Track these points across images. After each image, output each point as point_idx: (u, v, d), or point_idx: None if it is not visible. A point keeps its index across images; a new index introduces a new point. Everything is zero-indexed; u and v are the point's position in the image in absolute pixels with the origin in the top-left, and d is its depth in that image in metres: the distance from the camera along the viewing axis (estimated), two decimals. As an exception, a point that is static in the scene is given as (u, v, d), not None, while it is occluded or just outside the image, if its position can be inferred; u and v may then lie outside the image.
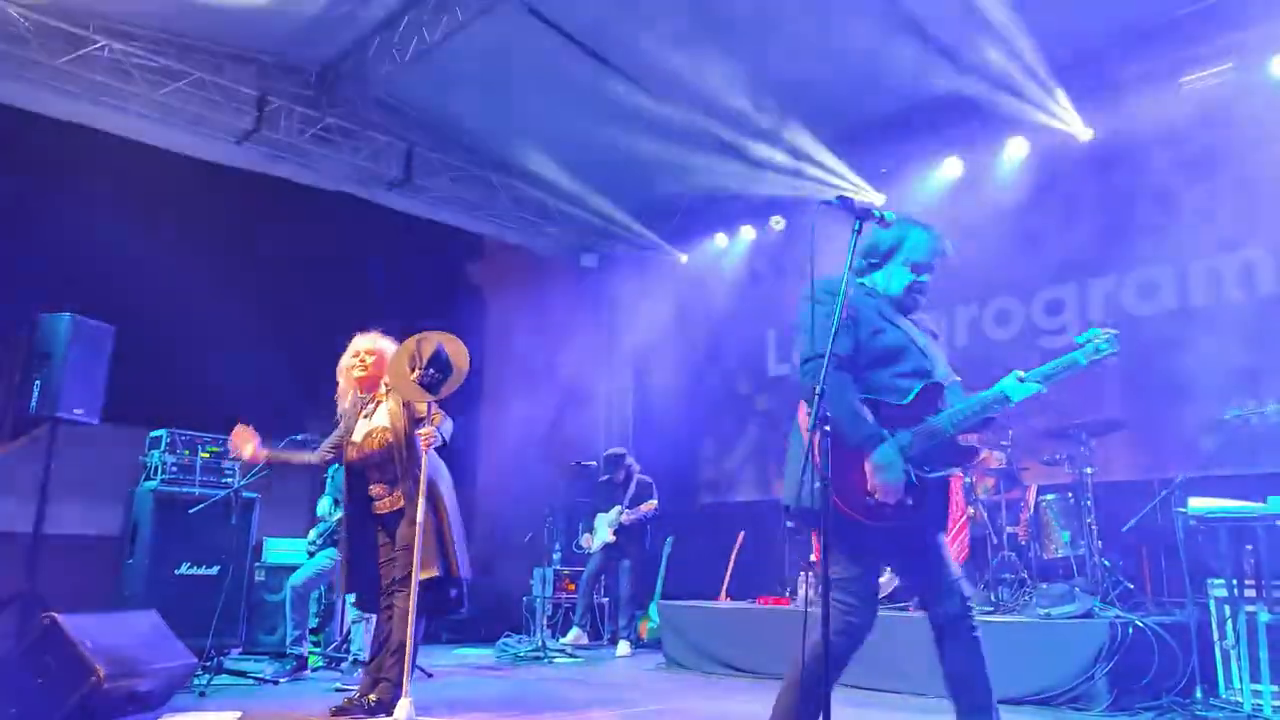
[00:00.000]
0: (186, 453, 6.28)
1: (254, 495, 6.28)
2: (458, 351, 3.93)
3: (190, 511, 5.71)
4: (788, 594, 6.41)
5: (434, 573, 3.86)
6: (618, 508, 7.45)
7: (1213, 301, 5.82)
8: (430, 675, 5.44)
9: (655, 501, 7.47)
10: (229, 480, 6.37)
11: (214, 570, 6.05)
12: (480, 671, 6.13)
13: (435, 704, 4.25)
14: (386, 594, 4.01)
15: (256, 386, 7.34)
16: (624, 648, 7.11)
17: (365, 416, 4.08)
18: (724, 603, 6.58)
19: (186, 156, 7.08)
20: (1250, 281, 5.76)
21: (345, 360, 4.21)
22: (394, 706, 3.66)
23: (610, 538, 7.42)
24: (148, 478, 6.23)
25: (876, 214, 2.60)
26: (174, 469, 6.21)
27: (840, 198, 2.59)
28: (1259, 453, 5.18)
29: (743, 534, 7.14)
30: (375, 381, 4.11)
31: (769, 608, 6.02)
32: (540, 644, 6.79)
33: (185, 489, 6.17)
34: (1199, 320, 5.84)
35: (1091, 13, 6.00)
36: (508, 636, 7.34)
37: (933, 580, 2.78)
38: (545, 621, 7.30)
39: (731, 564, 6.99)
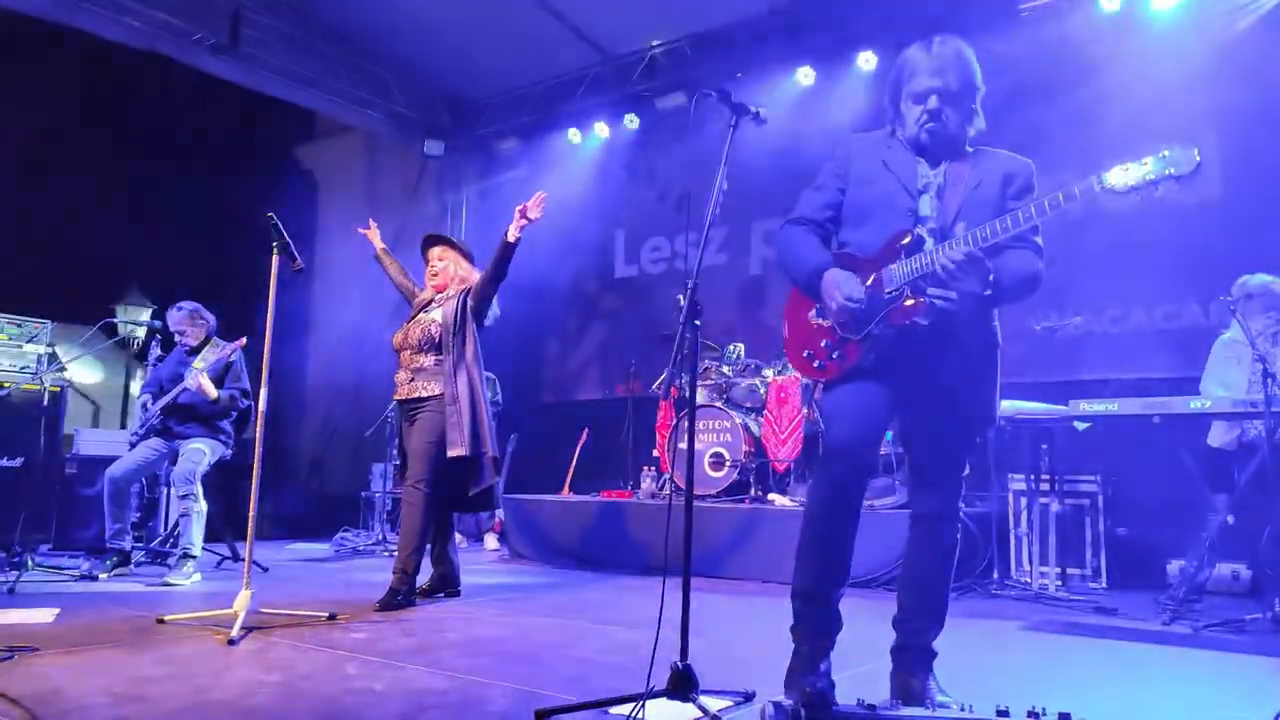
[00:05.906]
0: (-19, 333, 5.68)
1: (63, 383, 5.78)
2: None
3: (-9, 397, 5.19)
4: (629, 488, 6.60)
5: (460, 452, 4.16)
6: None
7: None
8: (265, 569, 5.30)
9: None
10: (31, 367, 5.83)
11: (17, 462, 5.57)
12: (317, 564, 6.01)
13: (272, 596, 4.14)
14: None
15: (58, 260, 6.70)
16: (491, 541, 7.04)
17: (424, 311, 4.51)
18: (567, 496, 6.71)
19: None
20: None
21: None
22: (402, 595, 4.12)
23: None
24: (-66, 360, 5.60)
25: (753, 110, 2.61)
26: (-34, 352, 5.60)
27: (719, 90, 2.58)
28: (1061, 360, 5.71)
29: (586, 430, 7.24)
30: (444, 286, 4.58)
31: (610, 500, 6.19)
32: (381, 537, 6.71)
33: (-20, 373, 5.60)
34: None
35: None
36: (345, 531, 7.21)
37: (913, 466, 2.57)
38: (385, 515, 7.21)
39: (575, 460, 7.10)
